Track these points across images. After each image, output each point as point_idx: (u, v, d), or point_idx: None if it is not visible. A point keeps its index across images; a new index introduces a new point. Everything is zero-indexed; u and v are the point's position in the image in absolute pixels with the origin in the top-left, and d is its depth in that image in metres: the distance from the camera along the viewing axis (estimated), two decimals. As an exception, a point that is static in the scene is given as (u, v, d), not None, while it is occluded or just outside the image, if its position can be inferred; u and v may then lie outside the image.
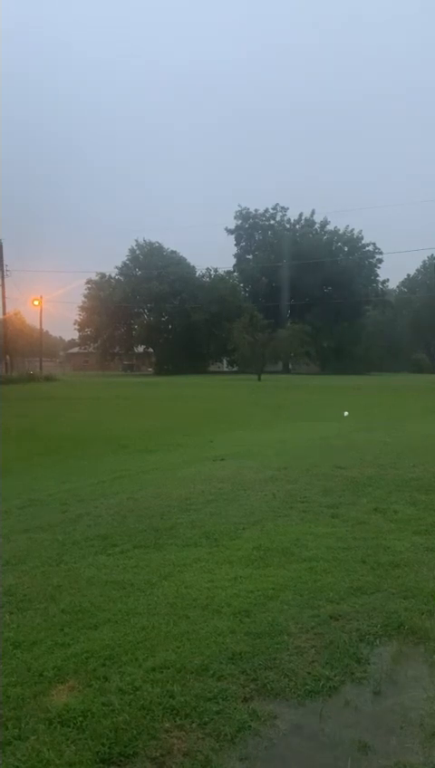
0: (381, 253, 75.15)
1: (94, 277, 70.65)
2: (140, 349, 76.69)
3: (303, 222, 78.89)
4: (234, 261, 78.20)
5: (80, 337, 74.45)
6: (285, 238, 75.11)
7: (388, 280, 78.83)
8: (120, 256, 74.07)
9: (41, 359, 57.58)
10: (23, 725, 2.43)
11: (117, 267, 72.86)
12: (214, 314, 64.04)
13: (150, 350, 74.52)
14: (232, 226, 78.12)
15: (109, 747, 2.30)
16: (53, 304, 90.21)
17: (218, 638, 3.12)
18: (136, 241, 72.60)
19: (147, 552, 4.55)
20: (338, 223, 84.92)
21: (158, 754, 2.27)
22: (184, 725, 2.43)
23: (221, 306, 64.20)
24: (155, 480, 7.63)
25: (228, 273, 74.86)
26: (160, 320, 70.52)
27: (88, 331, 71.89)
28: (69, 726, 2.42)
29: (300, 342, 54.16)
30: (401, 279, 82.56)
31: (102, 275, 71.17)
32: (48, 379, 44.61)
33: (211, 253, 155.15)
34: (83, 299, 70.17)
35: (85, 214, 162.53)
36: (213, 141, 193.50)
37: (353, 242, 76.10)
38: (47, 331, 78.32)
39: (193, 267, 72.35)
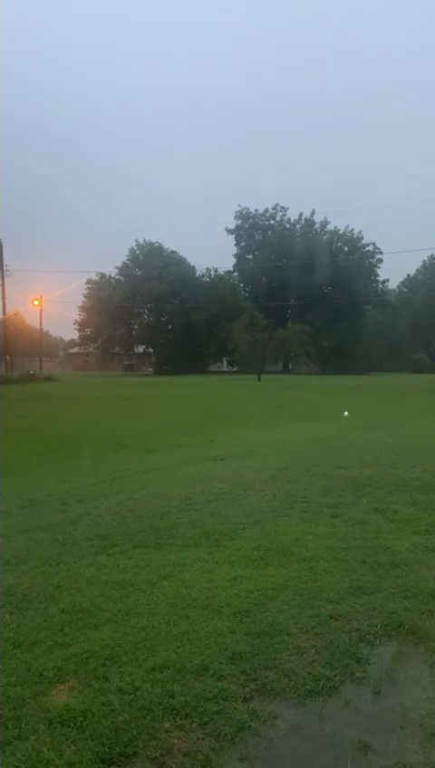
0: (381, 253, 75.27)
1: (94, 277, 70.76)
2: (140, 349, 76.69)
3: (303, 222, 78.94)
4: (234, 261, 78.36)
5: (80, 337, 74.46)
6: (284, 238, 75.18)
7: (388, 280, 78.97)
8: (120, 256, 74.22)
9: (41, 359, 57.58)
10: (23, 725, 2.43)
11: (117, 267, 72.98)
12: (214, 314, 64.05)
13: (150, 350, 74.53)
14: (232, 226, 78.25)
15: (109, 747, 2.30)
16: (53, 304, 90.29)
17: (218, 638, 3.12)
18: (136, 241, 72.72)
19: (147, 552, 4.55)
20: (338, 223, 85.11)
21: (158, 754, 2.27)
22: (184, 725, 2.43)
23: (221, 306, 64.21)
24: (155, 480, 7.63)
25: (228, 273, 74.94)
26: (160, 320, 70.53)
27: (88, 331, 71.90)
28: (69, 726, 2.42)
29: (300, 342, 54.16)
30: (401, 279, 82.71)
31: (102, 275, 71.23)
32: (48, 379, 44.61)
33: (211, 253, 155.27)
34: (83, 299, 70.28)
35: (85, 214, 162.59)
36: (213, 141, 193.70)
37: (353, 242, 76.09)
38: (47, 331, 78.41)
39: (193, 267, 72.42)
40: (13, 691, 2.68)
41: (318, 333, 63.35)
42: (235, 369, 66.97)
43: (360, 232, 75.86)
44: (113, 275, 72.09)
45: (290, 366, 71.35)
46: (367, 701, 2.67)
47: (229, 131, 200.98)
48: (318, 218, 78.36)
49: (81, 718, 2.46)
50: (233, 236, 78.51)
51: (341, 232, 76.80)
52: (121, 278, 71.80)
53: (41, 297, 55.04)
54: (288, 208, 78.69)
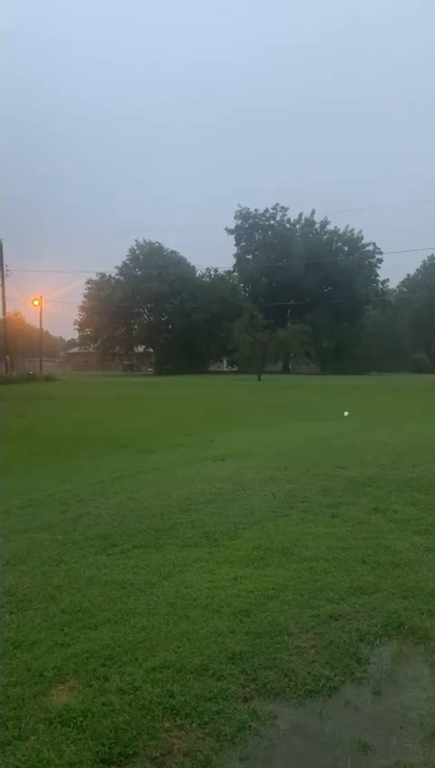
0: (381, 253, 75.28)
1: (94, 277, 70.76)
2: (140, 349, 76.69)
3: (303, 222, 78.94)
4: (234, 261, 78.34)
5: (80, 337, 74.46)
6: (284, 238, 75.17)
7: (388, 280, 78.98)
8: (120, 256, 74.21)
9: (41, 359, 57.58)
10: (23, 725, 2.43)
11: (117, 267, 72.97)
12: (214, 314, 64.04)
13: (150, 350, 74.53)
14: (232, 226, 78.23)
15: (109, 747, 2.30)
16: (53, 304, 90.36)
17: (218, 638, 3.12)
18: (136, 241, 72.73)
19: (147, 552, 4.55)
20: (338, 223, 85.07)
21: (158, 754, 2.27)
22: (184, 725, 2.43)
23: (221, 306, 64.21)
24: (155, 480, 7.63)
25: (228, 273, 74.92)
26: (160, 320, 70.52)
27: (88, 331, 71.90)
28: (69, 726, 2.42)
29: (300, 342, 54.16)
30: (401, 279, 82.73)
31: (102, 275, 71.23)
32: (48, 379, 44.60)
33: (211, 253, 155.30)
34: (83, 299, 70.28)
35: (85, 214, 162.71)
36: (213, 141, 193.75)
37: (353, 242, 76.10)
38: (47, 331, 78.45)
39: (193, 267, 72.42)
40: (13, 691, 2.68)
41: (318, 333, 63.34)
42: (235, 369, 66.96)
43: (360, 232, 75.99)
44: (113, 275, 72.18)
45: (290, 366, 71.34)
46: (367, 701, 2.67)
47: (229, 131, 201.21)
48: (318, 218, 78.50)
49: (81, 718, 2.46)
50: (233, 236, 78.60)
51: (341, 232, 76.86)
52: (121, 278, 71.79)
53: (41, 297, 55.10)
54: (288, 208, 78.79)
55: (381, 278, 77.09)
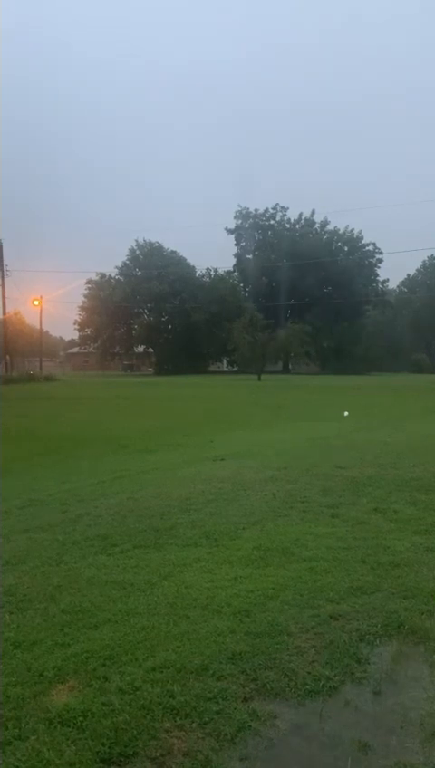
0: (381, 253, 75.26)
1: (94, 277, 70.77)
2: (140, 349, 76.70)
3: (303, 222, 78.90)
4: (234, 261, 78.26)
5: (80, 337, 74.47)
6: (284, 238, 75.12)
7: (388, 280, 78.95)
8: (120, 256, 74.19)
9: (41, 359, 57.59)
10: (23, 725, 2.43)
11: (117, 267, 72.97)
12: (214, 314, 64.05)
13: (150, 350, 74.53)
14: (232, 226, 78.18)
15: (109, 747, 2.30)
16: (53, 304, 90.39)
17: (218, 638, 3.12)
18: (136, 241, 72.73)
19: (147, 552, 4.56)
20: (338, 223, 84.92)
21: (158, 754, 2.27)
22: (184, 725, 2.43)
23: (221, 306, 64.22)
24: (155, 480, 7.63)
25: (228, 273, 74.93)
26: (160, 320, 70.53)
27: (88, 331, 71.91)
28: (69, 726, 2.42)
29: (300, 342, 54.17)
30: (401, 279, 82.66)
31: (102, 275, 71.23)
32: (48, 379, 44.61)
33: (211, 253, 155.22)
34: (83, 299, 70.29)
35: (85, 214, 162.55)
36: (213, 141, 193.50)
37: (353, 242, 76.10)
38: (47, 331, 78.51)
39: (193, 267, 72.43)
40: (13, 691, 2.68)
41: (318, 333, 63.33)
42: (235, 369, 66.96)
43: (360, 232, 75.97)
44: (113, 275, 72.17)
45: (290, 366, 71.34)
46: (367, 701, 2.67)
47: (229, 131, 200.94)
48: (318, 218, 78.48)
49: (81, 718, 2.46)
50: (233, 236, 78.53)
51: (341, 232, 76.85)
52: (121, 278, 71.80)
53: (41, 297, 55.09)
54: (288, 208, 78.73)
55: (381, 278, 77.18)
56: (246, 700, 2.63)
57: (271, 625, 3.26)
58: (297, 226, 78.55)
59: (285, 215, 78.69)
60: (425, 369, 71.00)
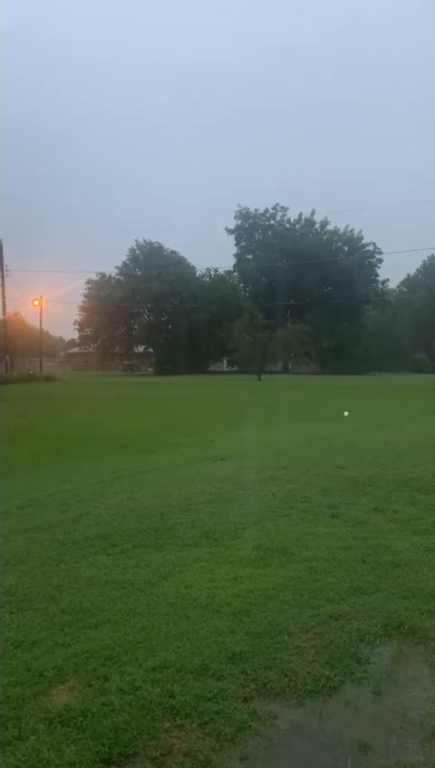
0: (381, 253, 75.30)
1: (94, 277, 70.79)
2: (140, 349, 76.70)
3: (303, 222, 78.92)
4: (234, 261, 78.34)
5: (80, 337, 74.48)
6: (285, 238, 75.18)
7: (388, 280, 79.01)
8: (120, 256, 74.21)
9: (41, 359, 57.60)
10: (23, 725, 2.43)
11: (117, 267, 73.01)
12: (214, 314, 64.05)
13: (150, 350, 74.52)
14: (232, 226, 78.23)
15: (109, 747, 2.30)
16: (53, 304, 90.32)
17: (218, 638, 3.12)
18: (136, 241, 72.74)
19: (147, 552, 4.56)
20: (338, 223, 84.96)
21: (158, 754, 2.27)
22: (184, 725, 2.43)
23: (221, 306, 64.22)
24: (155, 480, 7.63)
25: (228, 273, 74.96)
26: (160, 320, 70.52)
27: (88, 331, 71.92)
28: (69, 726, 2.42)
29: (300, 342, 54.15)
30: (401, 279, 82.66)
31: (102, 275, 71.25)
32: (48, 379, 44.61)
33: (211, 253, 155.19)
34: (83, 299, 70.30)
35: (85, 214, 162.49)
36: (213, 141, 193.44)
37: (353, 242, 76.12)
38: (47, 331, 78.45)
39: (193, 267, 72.44)
40: (13, 691, 2.68)
41: (318, 333, 63.34)
42: (235, 369, 66.98)
43: (360, 232, 76.01)
44: (113, 275, 72.21)
45: (290, 366, 71.33)
46: (367, 701, 2.67)
47: (229, 131, 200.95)
48: (318, 218, 78.53)
49: (81, 718, 2.46)
50: (233, 236, 78.61)
51: (341, 232, 76.88)
52: (121, 278, 71.81)
53: (41, 297, 55.11)
54: (288, 208, 78.80)
55: (381, 278, 77.26)
56: (246, 700, 2.63)
57: (271, 625, 3.26)
58: (297, 226, 78.57)
59: (285, 215, 78.86)
60: (425, 369, 71.01)
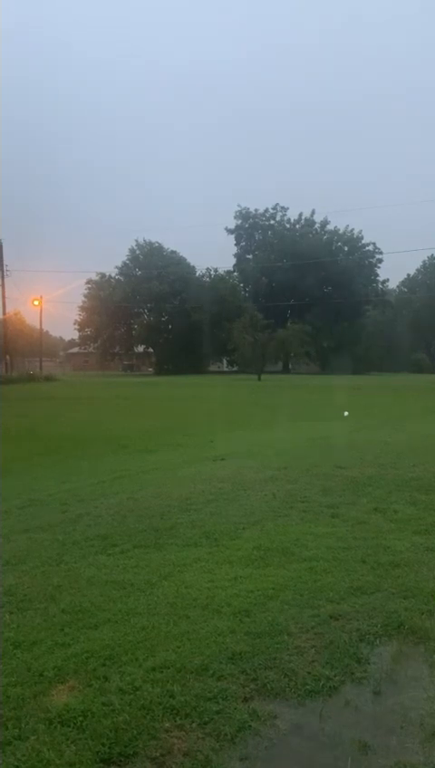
0: (381, 253, 75.28)
1: (94, 277, 70.74)
2: (140, 349, 76.69)
3: (303, 222, 78.92)
4: (234, 261, 78.34)
5: (80, 337, 74.46)
6: (285, 238, 75.19)
7: (388, 280, 78.98)
8: (120, 256, 74.16)
9: (41, 359, 57.60)
10: (23, 725, 2.43)
11: (117, 267, 72.95)
12: (214, 314, 63.98)
13: (150, 350, 74.52)
14: (232, 226, 78.24)
15: (109, 747, 2.30)
16: (53, 304, 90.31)
17: (218, 638, 3.12)
18: (136, 241, 72.71)
19: (147, 552, 4.56)
20: (338, 223, 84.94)
21: (158, 754, 2.27)
22: (184, 725, 2.43)
23: (221, 306, 64.18)
24: (155, 480, 7.63)
25: (228, 273, 74.90)
26: (160, 320, 70.52)
27: (88, 331, 71.91)
28: (69, 726, 2.42)
29: (300, 342, 54.18)
30: (401, 279, 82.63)
31: (102, 275, 71.22)
32: (48, 379, 44.62)
33: (211, 253, 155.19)
34: (83, 299, 70.27)
35: (85, 214, 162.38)
36: (213, 141, 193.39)
37: (353, 242, 76.11)
38: (47, 331, 78.47)
39: (193, 267, 72.41)
40: (13, 691, 2.68)
41: (318, 333, 63.35)
42: (235, 369, 66.96)
43: (360, 232, 75.99)
44: (113, 275, 72.16)
45: (290, 366, 71.36)
46: (367, 701, 2.67)
47: (229, 131, 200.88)
48: (318, 218, 78.51)
49: (81, 718, 2.46)
50: (233, 236, 78.61)
51: (341, 232, 76.86)
52: (121, 278, 71.79)
53: (41, 297, 55.12)
54: (288, 208, 78.79)
55: (381, 278, 77.24)
56: (246, 700, 2.63)
57: (271, 625, 3.26)
58: (297, 226, 78.57)
59: (285, 215, 78.86)
60: (425, 369, 70.99)
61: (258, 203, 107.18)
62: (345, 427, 13.81)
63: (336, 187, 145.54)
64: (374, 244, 75.36)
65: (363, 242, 75.86)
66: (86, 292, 69.97)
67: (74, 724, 2.43)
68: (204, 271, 71.99)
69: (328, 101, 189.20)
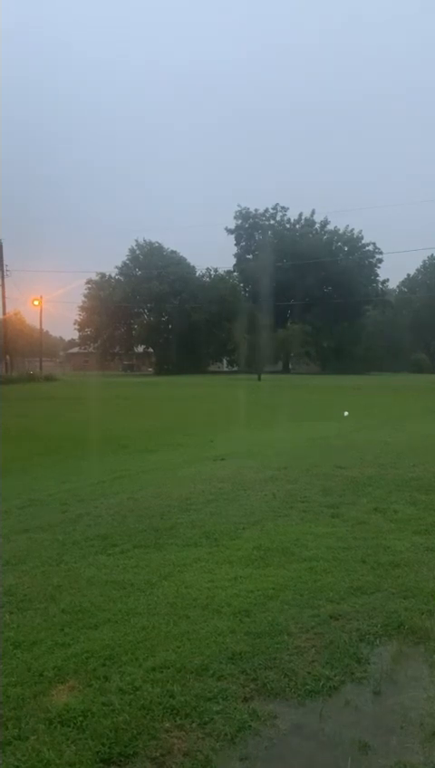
0: (381, 253, 75.27)
1: (94, 277, 70.78)
2: (140, 349, 76.71)
3: (303, 222, 78.92)
4: (234, 261, 78.32)
5: (80, 337, 74.48)
6: (285, 238, 75.17)
7: (388, 280, 78.99)
8: (120, 256, 74.20)
9: (41, 359, 57.61)
10: (23, 725, 2.43)
11: (117, 267, 72.98)
12: (214, 314, 64.03)
13: (150, 350, 74.54)
14: (232, 226, 78.22)
15: (109, 747, 2.30)
16: (53, 304, 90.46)
17: (218, 638, 3.12)
18: (136, 241, 72.74)
19: (147, 552, 4.56)
20: (338, 223, 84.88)
21: (158, 754, 2.27)
22: (184, 725, 2.43)
23: (221, 306, 64.20)
24: (155, 480, 7.63)
25: (228, 273, 74.89)
26: (160, 320, 70.53)
27: (88, 331, 71.92)
28: (69, 726, 2.42)
29: (300, 342, 54.28)
30: (401, 279, 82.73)
31: (102, 275, 71.24)
32: (48, 379, 44.63)
33: (211, 253, 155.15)
34: (83, 299, 70.30)
35: (85, 214, 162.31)
36: (213, 141, 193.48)
37: (353, 242, 76.12)
38: (47, 331, 78.54)
39: (193, 267, 72.42)
40: (13, 691, 2.68)
41: (318, 333, 63.40)
42: (235, 369, 66.97)
43: (360, 232, 76.00)
44: (113, 275, 72.19)
45: (290, 366, 71.36)
46: (367, 701, 2.67)
47: (229, 131, 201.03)
48: (318, 218, 78.52)
49: (81, 718, 2.46)
50: (233, 236, 78.58)
51: (341, 232, 76.87)
52: (121, 278, 71.80)
53: (41, 297, 55.10)
54: (288, 208, 78.79)
55: (381, 278, 77.22)
56: (246, 700, 2.63)
57: (271, 625, 3.26)
58: (297, 226, 78.57)
59: (285, 215, 78.85)
60: (425, 369, 70.96)
61: (258, 203, 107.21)
62: (345, 426, 13.81)
63: (336, 187, 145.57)
64: (374, 244, 75.47)
65: (363, 242, 75.89)
66: (86, 292, 70.09)
67: (74, 724, 2.43)
68: (204, 271, 72.11)
69: (328, 101, 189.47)
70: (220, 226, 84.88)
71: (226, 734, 2.38)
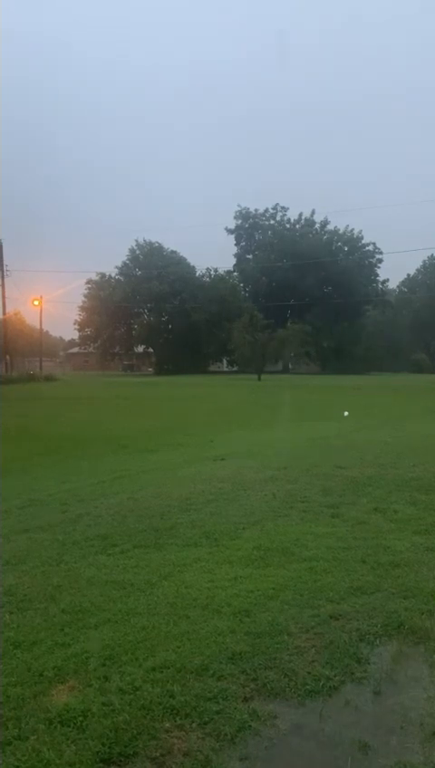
0: (381, 253, 75.34)
1: (94, 277, 70.83)
2: (140, 349, 76.73)
3: (303, 222, 78.93)
4: (234, 261, 78.38)
5: (80, 337, 74.50)
6: (284, 238, 75.18)
7: (388, 280, 79.08)
8: (120, 256, 74.23)
9: (41, 359, 57.62)
10: (23, 725, 2.43)
11: (117, 267, 73.03)
12: (214, 314, 64.04)
13: (150, 350, 74.55)
14: (232, 226, 78.26)
15: (109, 747, 2.30)
16: (53, 304, 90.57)
17: (218, 638, 3.12)
18: (136, 241, 72.78)
19: (147, 552, 4.55)
20: (338, 223, 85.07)
21: (158, 754, 2.27)
22: (184, 725, 2.43)
23: (221, 306, 64.22)
24: (155, 480, 7.63)
25: (228, 273, 74.95)
26: (160, 320, 70.54)
27: (88, 331, 71.93)
28: (69, 726, 2.42)
29: (300, 342, 54.22)
30: (401, 279, 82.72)
31: (102, 275, 71.27)
32: (48, 378, 44.66)
33: (211, 253, 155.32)
34: (83, 299, 70.34)
35: (85, 214, 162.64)
36: (213, 141, 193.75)
37: (353, 242, 76.13)
38: (47, 331, 78.59)
39: (193, 267, 72.45)
40: (13, 691, 2.68)
41: (318, 333, 63.37)
42: (235, 369, 66.99)
43: (360, 232, 76.03)
44: (113, 275, 72.21)
45: (290, 366, 71.35)
46: (367, 701, 2.67)
47: (229, 131, 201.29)
48: (318, 218, 78.56)
49: (81, 718, 2.46)
50: (233, 236, 78.64)
51: (341, 232, 76.89)
52: (121, 278, 71.80)
53: (41, 297, 55.14)
54: (288, 208, 78.84)
55: (381, 278, 77.32)
56: (246, 700, 2.63)
57: (271, 625, 3.26)
58: (297, 226, 78.57)
59: (285, 215, 78.88)
60: (425, 369, 70.98)
61: (258, 203, 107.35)
62: (345, 426, 13.81)
63: (336, 187, 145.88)
64: (374, 244, 75.53)
65: (363, 242, 75.92)
66: (86, 292, 70.13)
67: (74, 724, 2.43)
68: (204, 271, 72.14)
69: (328, 101, 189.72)
70: (220, 226, 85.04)
71: (226, 734, 2.38)
